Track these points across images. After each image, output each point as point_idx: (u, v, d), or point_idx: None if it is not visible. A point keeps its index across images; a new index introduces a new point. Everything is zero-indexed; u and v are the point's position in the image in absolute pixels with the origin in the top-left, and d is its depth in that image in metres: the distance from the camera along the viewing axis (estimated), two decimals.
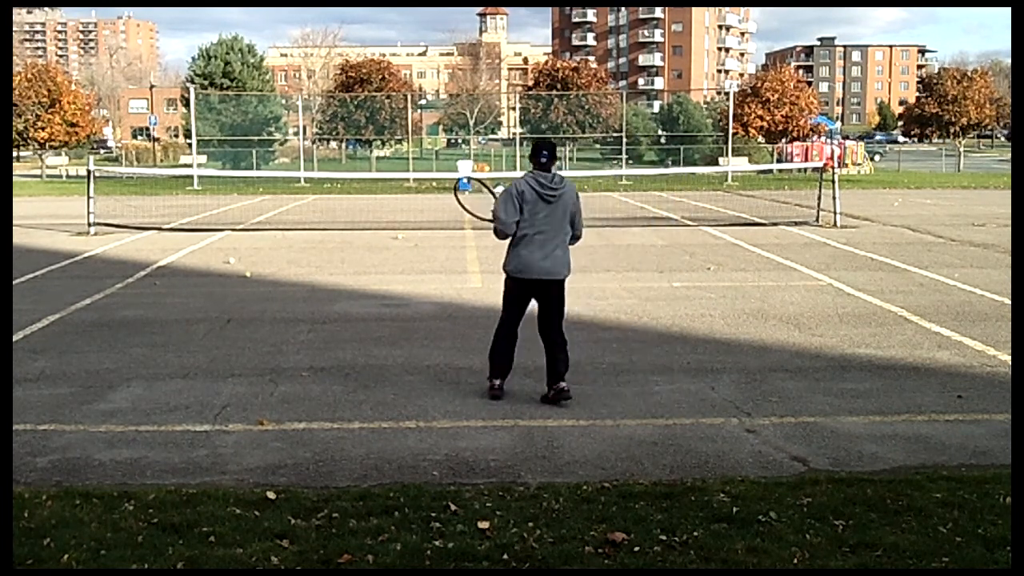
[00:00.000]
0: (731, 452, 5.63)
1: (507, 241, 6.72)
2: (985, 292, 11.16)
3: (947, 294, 11.11)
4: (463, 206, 7.79)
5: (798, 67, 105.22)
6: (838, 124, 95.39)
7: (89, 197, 18.51)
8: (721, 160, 45.30)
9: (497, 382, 6.81)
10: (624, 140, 46.00)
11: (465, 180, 33.84)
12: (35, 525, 4.42)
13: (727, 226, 19.40)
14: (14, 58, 69.47)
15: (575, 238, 6.76)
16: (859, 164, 49.27)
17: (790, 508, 4.64)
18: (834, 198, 19.39)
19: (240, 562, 4.05)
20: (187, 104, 45.24)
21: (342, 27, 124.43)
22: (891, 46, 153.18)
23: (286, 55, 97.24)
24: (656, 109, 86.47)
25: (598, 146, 57.75)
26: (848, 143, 55.97)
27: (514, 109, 68.67)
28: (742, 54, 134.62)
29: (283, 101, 54.88)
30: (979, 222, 20.17)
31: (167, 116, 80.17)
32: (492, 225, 6.70)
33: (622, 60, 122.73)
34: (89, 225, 18.24)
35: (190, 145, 44.12)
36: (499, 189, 7.96)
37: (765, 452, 5.63)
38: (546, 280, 6.61)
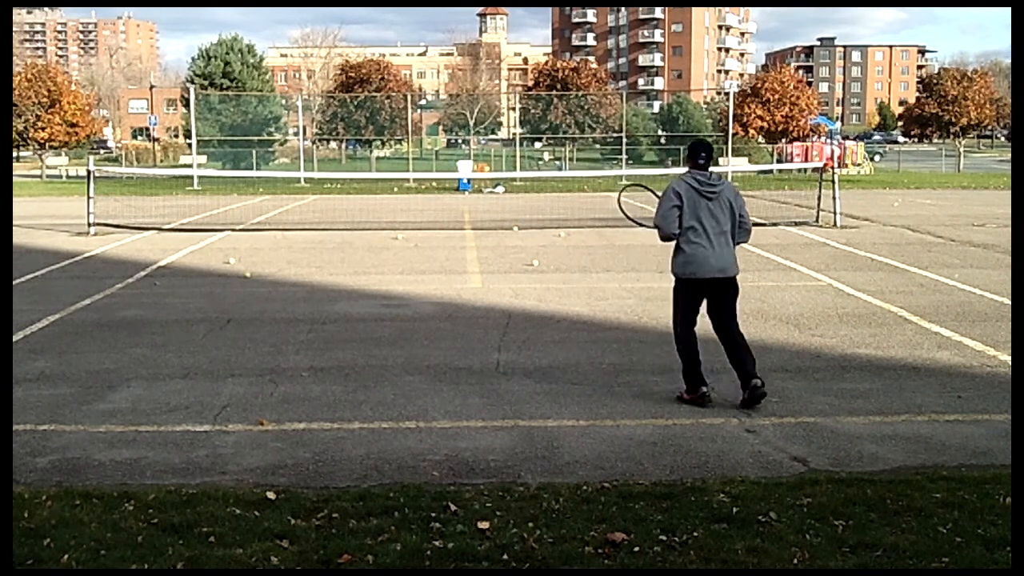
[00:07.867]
0: (731, 452, 5.62)
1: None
2: (985, 292, 11.16)
3: (947, 294, 11.10)
4: (625, 214, 7.64)
5: (798, 67, 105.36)
6: (838, 124, 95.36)
7: (89, 197, 18.51)
8: (721, 160, 45.22)
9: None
10: (624, 140, 46.01)
11: (465, 180, 33.97)
12: (35, 525, 4.42)
13: None
14: (14, 58, 69.47)
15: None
16: (859, 164, 49.29)
17: (790, 508, 4.64)
18: (834, 198, 19.39)
19: (240, 562, 4.05)
20: (187, 104, 45.27)
21: (342, 27, 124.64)
22: (891, 46, 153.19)
23: (286, 55, 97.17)
24: (656, 109, 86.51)
25: (598, 146, 57.80)
26: (848, 143, 55.99)
27: (514, 109, 68.74)
28: (742, 54, 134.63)
29: (283, 101, 54.89)
30: (979, 222, 20.17)
31: (167, 116, 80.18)
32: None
33: (622, 60, 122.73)
34: (89, 225, 18.24)
35: (190, 145, 44.14)
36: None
37: (765, 452, 5.63)
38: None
